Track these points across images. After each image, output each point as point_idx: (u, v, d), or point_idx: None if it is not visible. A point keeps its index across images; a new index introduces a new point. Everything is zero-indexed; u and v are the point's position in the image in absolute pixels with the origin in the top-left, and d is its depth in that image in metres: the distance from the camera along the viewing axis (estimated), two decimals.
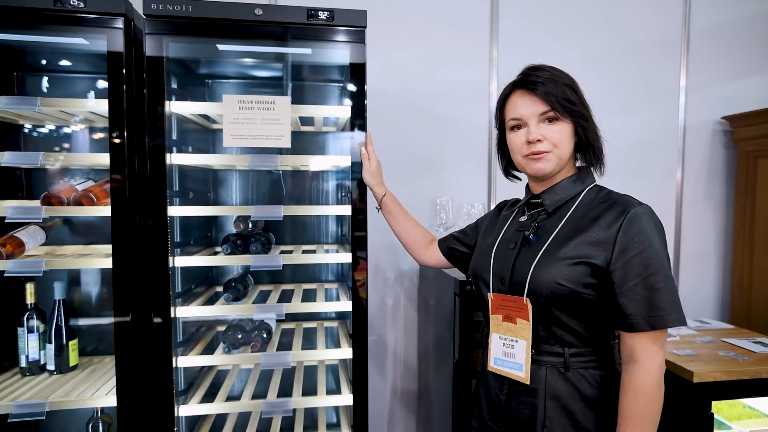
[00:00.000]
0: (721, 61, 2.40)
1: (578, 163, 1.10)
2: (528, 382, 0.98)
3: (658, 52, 2.36)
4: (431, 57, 2.16)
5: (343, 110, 1.49)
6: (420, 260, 1.42)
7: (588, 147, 1.02)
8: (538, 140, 1.00)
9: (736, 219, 2.37)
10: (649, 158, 2.38)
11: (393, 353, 2.22)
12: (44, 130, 1.76)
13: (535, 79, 1.00)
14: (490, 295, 1.06)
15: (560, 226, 1.00)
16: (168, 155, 1.40)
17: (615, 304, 0.94)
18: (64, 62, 1.68)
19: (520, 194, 1.19)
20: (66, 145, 1.79)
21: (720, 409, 1.80)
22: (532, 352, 0.99)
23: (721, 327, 2.12)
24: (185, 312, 1.48)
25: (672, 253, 2.42)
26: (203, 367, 1.80)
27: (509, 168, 1.17)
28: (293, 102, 1.39)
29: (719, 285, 2.48)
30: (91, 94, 1.69)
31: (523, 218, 1.09)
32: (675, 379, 1.64)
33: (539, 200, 1.07)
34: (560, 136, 1.00)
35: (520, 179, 1.20)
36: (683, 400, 1.62)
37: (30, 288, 1.62)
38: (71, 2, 1.28)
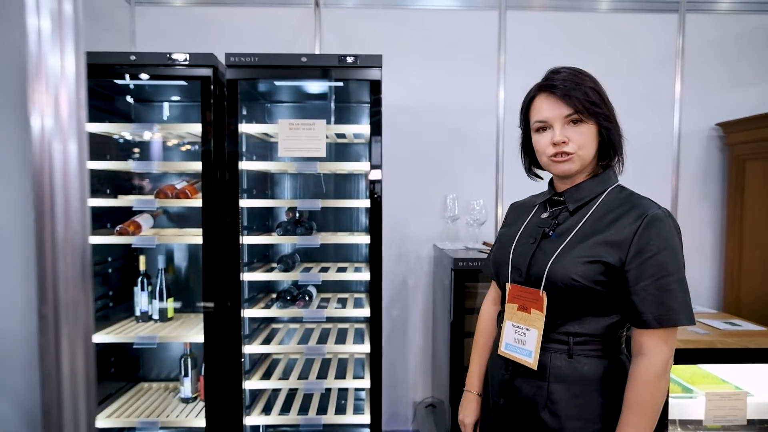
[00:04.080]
0: (716, 73, 2.65)
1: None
2: (536, 368, 1.04)
3: (655, 66, 2.65)
4: (447, 78, 2.61)
5: (365, 128, 1.98)
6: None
7: (610, 147, 1.06)
8: (563, 142, 1.03)
9: (728, 217, 2.61)
10: (646, 162, 2.67)
11: (413, 321, 2.67)
12: (145, 145, 2.39)
13: (559, 83, 1.04)
14: (508, 285, 1.11)
15: (580, 225, 1.04)
16: (239, 162, 1.96)
17: (628, 302, 0.98)
18: (175, 97, 2.32)
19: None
20: (157, 155, 2.42)
21: (693, 379, 2.08)
22: None
23: (703, 311, 2.38)
24: (249, 277, 2.03)
25: None
26: (260, 324, 2.35)
27: (532, 167, 1.22)
28: (335, 121, 1.88)
29: (715, 278, 2.71)
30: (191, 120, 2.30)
31: (544, 215, 1.14)
32: None
33: (561, 198, 1.11)
34: (584, 138, 1.03)
35: (542, 178, 1.24)
36: None
37: (142, 259, 2.24)
38: (179, 59, 1.87)
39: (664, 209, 1.01)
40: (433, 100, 2.62)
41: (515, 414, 1.10)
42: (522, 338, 1.07)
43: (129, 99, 2.33)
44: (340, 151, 2.48)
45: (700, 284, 2.72)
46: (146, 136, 2.28)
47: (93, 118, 2.02)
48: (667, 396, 1.90)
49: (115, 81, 1.98)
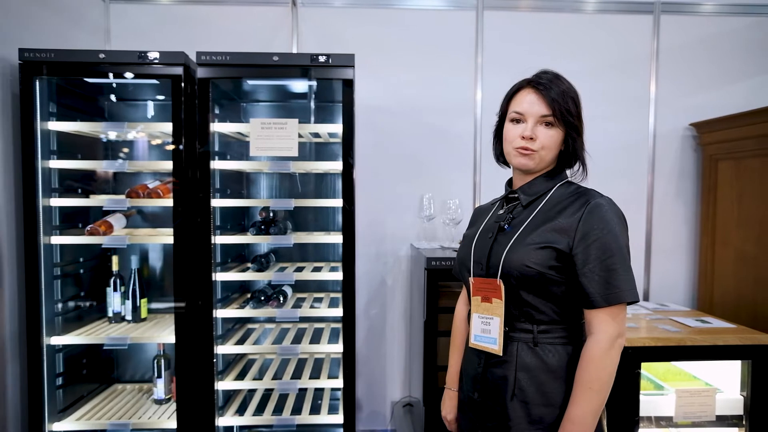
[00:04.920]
0: (692, 74, 2.67)
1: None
2: (501, 354, 1.10)
3: (633, 66, 2.68)
4: (426, 78, 2.61)
5: (338, 127, 1.97)
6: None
7: (572, 157, 1.14)
8: (531, 138, 1.10)
9: (702, 215, 2.64)
10: (623, 161, 2.69)
11: (391, 320, 2.67)
12: (130, 144, 2.37)
13: (547, 84, 1.10)
14: (471, 280, 1.17)
15: (531, 217, 1.12)
16: (211, 162, 1.94)
17: (577, 284, 1.04)
18: (150, 95, 2.29)
19: (502, 192, 1.31)
20: (142, 154, 2.40)
21: (666, 376, 2.11)
22: (506, 329, 1.10)
23: (677, 309, 2.41)
24: (222, 277, 2.01)
25: (643, 245, 2.71)
26: (235, 324, 2.33)
27: (501, 155, 1.24)
28: (314, 120, 1.87)
29: (690, 276, 2.74)
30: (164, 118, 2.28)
31: (501, 211, 1.22)
32: None
33: (516, 195, 1.19)
34: (550, 141, 1.10)
35: (508, 166, 1.25)
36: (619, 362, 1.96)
37: (115, 259, 2.22)
38: (149, 57, 1.85)
39: (606, 197, 1.09)
40: (413, 100, 2.61)
41: (489, 406, 1.14)
42: (487, 327, 1.13)
43: (102, 97, 2.30)
44: (316, 150, 2.47)
45: (675, 282, 2.75)
46: (116, 135, 2.25)
47: (64, 116, 1.99)
48: (639, 393, 1.92)
49: (86, 79, 1.95)
